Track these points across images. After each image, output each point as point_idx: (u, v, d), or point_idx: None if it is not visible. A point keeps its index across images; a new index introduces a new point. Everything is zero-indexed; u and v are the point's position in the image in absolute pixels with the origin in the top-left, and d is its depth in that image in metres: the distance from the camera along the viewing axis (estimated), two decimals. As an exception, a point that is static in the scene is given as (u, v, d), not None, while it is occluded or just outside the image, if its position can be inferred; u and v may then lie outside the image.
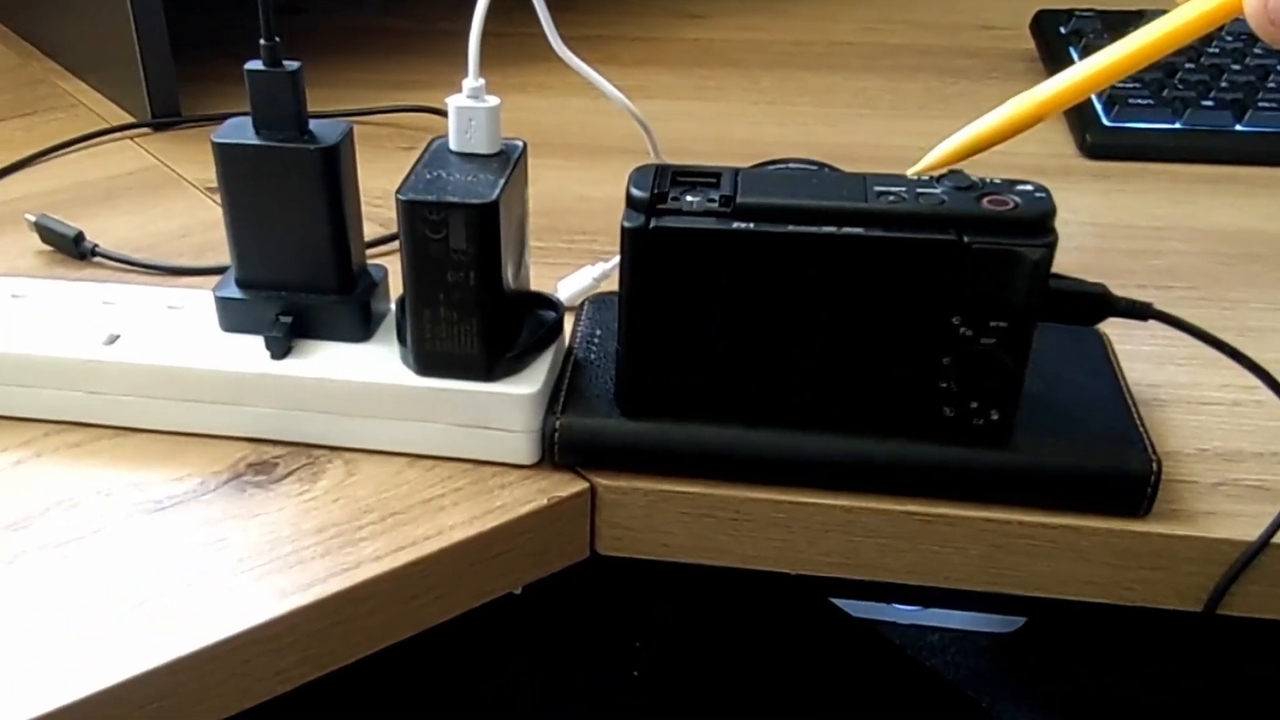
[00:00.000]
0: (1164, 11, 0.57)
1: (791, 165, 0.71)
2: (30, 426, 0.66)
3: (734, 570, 0.64)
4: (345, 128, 0.63)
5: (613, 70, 0.66)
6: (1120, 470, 0.60)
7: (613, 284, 0.63)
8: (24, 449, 0.65)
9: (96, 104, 1.06)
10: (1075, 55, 1.08)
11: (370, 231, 0.72)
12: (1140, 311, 0.61)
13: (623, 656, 1.06)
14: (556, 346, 0.65)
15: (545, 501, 0.62)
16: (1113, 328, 0.65)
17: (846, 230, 0.56)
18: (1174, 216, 0.89)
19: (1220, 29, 1.09)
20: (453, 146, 0.62)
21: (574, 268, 0.75)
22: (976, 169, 0.59)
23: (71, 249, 0.81)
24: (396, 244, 0.60)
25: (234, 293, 0.66)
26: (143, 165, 0.95)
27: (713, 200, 0.57)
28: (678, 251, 0.57)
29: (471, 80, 0.60)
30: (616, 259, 0.60)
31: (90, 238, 0.81)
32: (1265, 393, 0.62)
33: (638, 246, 0.58)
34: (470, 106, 0.61)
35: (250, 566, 0.58)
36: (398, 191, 0.59)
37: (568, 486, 0.62)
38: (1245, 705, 0.97)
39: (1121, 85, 1.00)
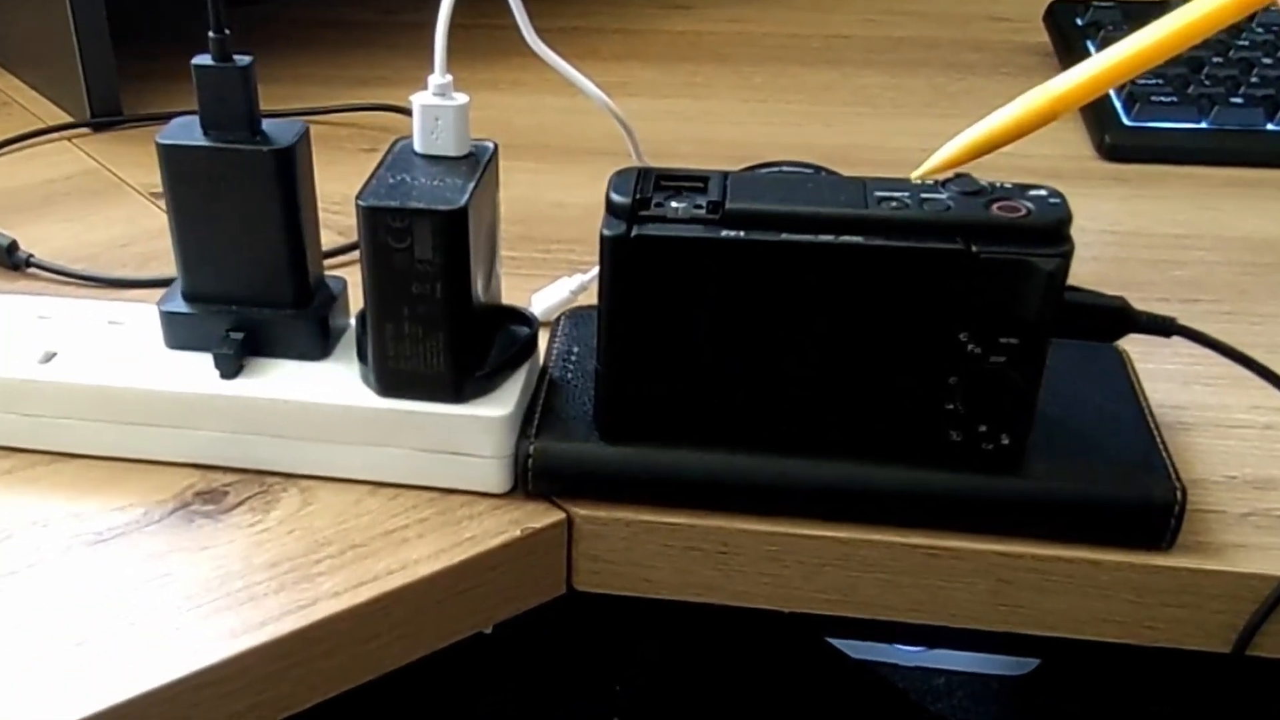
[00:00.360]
0: (1187, 0, 0.57)
1: (785, 168, 0.71)
2: (-42, 452, 0.66)
3: (722, 608, 0.64)
4: (301, 128, 0.63)
5: (591, 65, 0.66)
6: (1141, 499, 0.60)
7: (591, 297, 0.63)
8: (-49, 476, 0.65)
9: (31, 102, 1.06)
10: (1092, 48, 1.09)
11: (328, 240, 0.72)
12: (1163, 327, 0.61)
13: (601, 700, 1.06)
14: (530, 365, 0.65)
15: (518, 533, 0.62)
16: (1133, 344, 0.65)
17: (845, 239, 0.56)
18: (1200, 223, 0.89)
19: (1250, 18, 1.09)
20: (417, 148, 0.62)
21: (549, 279, 0.75)
22: (985, 172, 0.59)
23: (4, 259, 0.81)
24: (357, 254, 0.60)
25: (180, 307, 0.65)
26: (82, 168, 0.95)
27: (700, 206, 0.57)
28: (662, 262, 0.57)
29: (438, 76, 0.60)
30: (595, 270, 0.60)
31: (24, 247, 0.81)
32: (1298, 415, 0.62)
33: (618, 256, 0.58)
34: (437, 105, 0.61)
35: (198, 604, 0.57)
36: (358, 197, 0.59)
37: (542, 517, 0.62)
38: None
39: (1143, 81, 1.01)
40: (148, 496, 0.63)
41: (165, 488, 0.64)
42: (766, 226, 0.56)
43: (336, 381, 0.64)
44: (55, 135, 1.00)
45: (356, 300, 0.63)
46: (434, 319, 0.60)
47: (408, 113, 0.62)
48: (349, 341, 0.66)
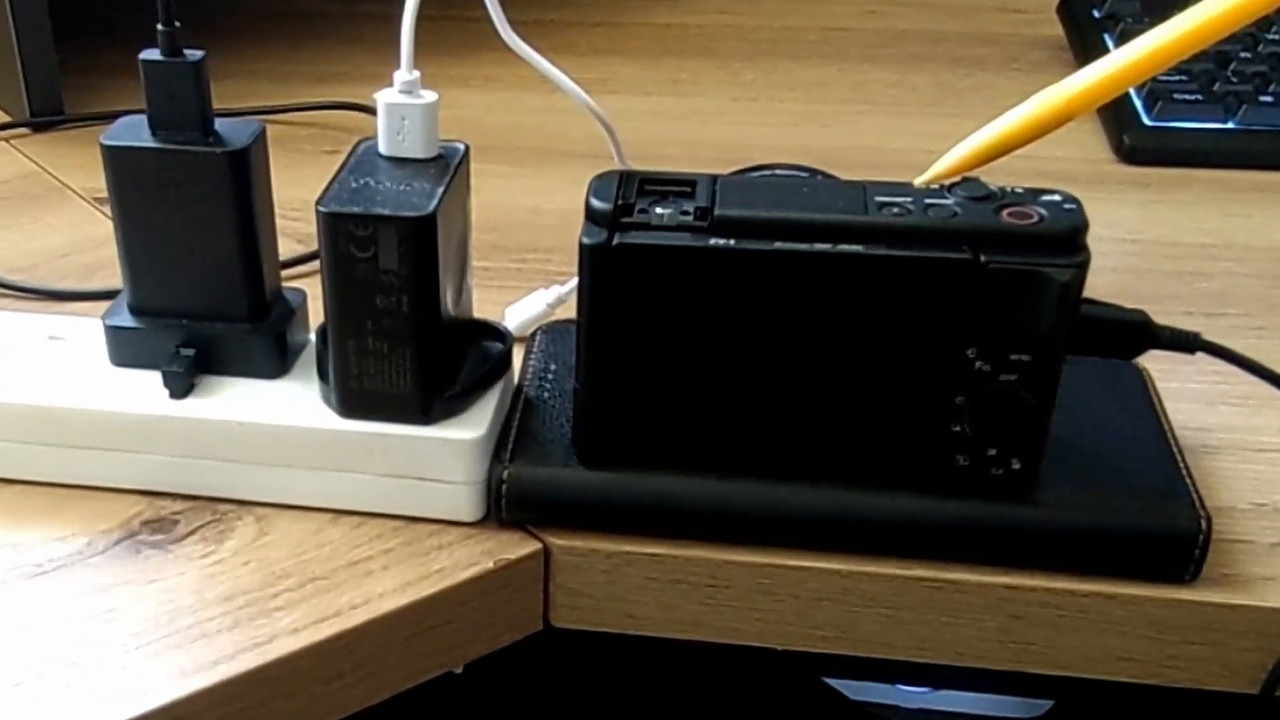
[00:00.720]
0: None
1: (779, 172, 0.72)
2: (-115, 478, 0.66)
3: (711, 646, 0.64)
4: (257, 128, 0.63)
5: (570, 60, 0.66)
6: (1163, 528, 0.60)
7: (569, 311, 0.63)
8: (-122, 504, 0.65)
9: (-36, 99, 1.06)
10: (1110, 42, 1.09)
11: (286, 249, 0.72)
12: (1186, 343, 0.61)
13: (582, 747, 1.06)
14: (504, 384, 0.65)
15: (490, 565, 0.62)
16: (1154, 362, 0.65)
17: (843, 248, 0.56)
18: (1226, 232, 0.89)
19: (1280, 12, 1.09)
20: (382, 150, 0.62)
21: (524, 292, 0.75)
22: (995, 176, 0.59)
23: (-65, 269, 0.81)
24: (317, 264, 0.60)
25: (127, 321, 0.66)
26: (20, 172, 0.95)
27: (686, 213, 0.57)
28: (646, 273, 0.57)
29: (404, 72, 0.60)
30: (574, 282, 0.60)
31: (-43, 256, 0.81)
32: (1331, 437, 0.62)
33: (599, 267, 0.58)
34: (403, 103, 0.61)
35: (146, 641, 0.57)
36: (318, 202, 0.59)
37: (517, 547, 0.63)
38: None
39: (1165, 78, 1.01)
40: (91, 525, 0.63)
41: (110, 516, 0.64)
42: (759, 234, 0.57)
43: (295, 401, 0.64)
44: (-9, 136, 1.00)
45: (317, 314, 0.63)
46: (400, 334, 0.60)
47: (372, 111, 0.62)
48: (308, 359, 0.66)
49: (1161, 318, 0.61)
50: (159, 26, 0.61)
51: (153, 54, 0.61)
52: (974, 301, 0.56)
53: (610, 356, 0.60)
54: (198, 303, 0.65)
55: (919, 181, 0.59)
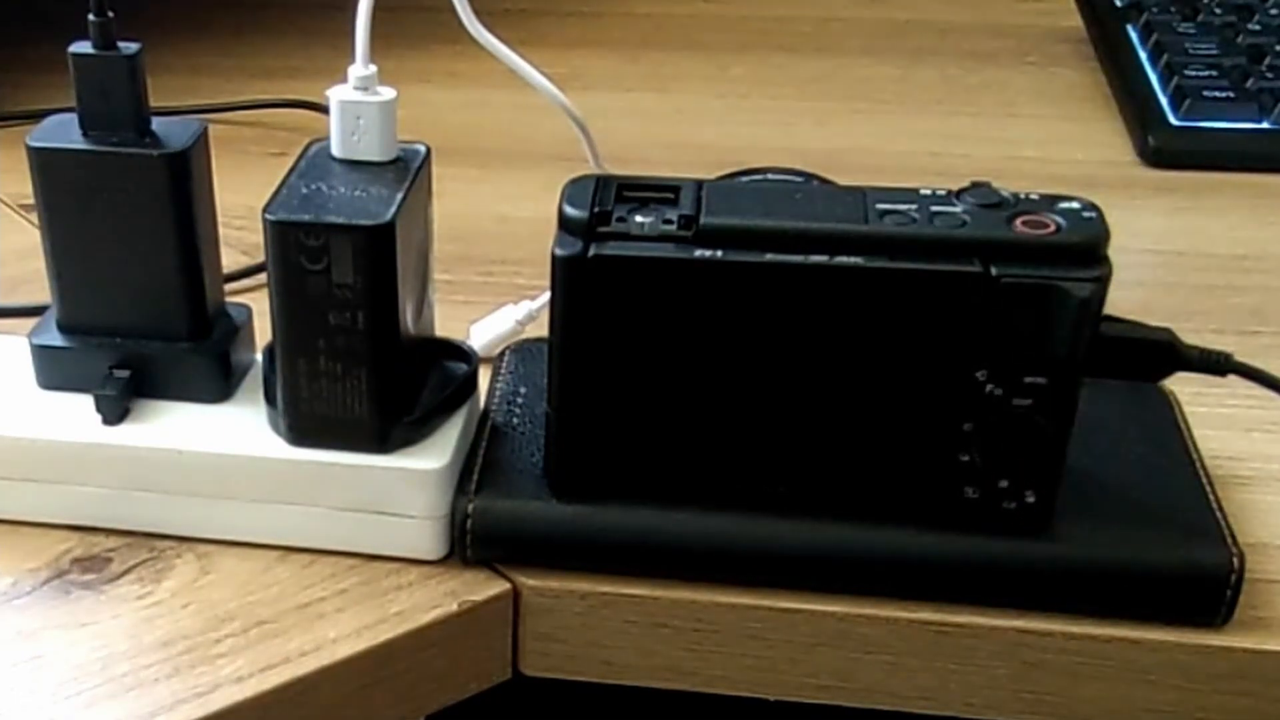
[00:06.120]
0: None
1: (770, 176, 0.72)
2: None
3: (696, 696, 0.64)
4: (198, 128, 0.63)
5: (541, 54, 0.66)
6: (1191, 567, 0.60)
7: (541, 328, 0.63)
8: None
9: (-124, 96, 1.06)
10: (1133, 34, 1.09)
11: (230, 261, 0.72)
12: (1217, 364, 0.61)
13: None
14: (468, 408, 0.65)
15: (454, 607, 0.62)
16: (1182, 385, 0.65)
17: (840, 260, 0.56)
18: (1261, 241, 0.89)
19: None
20: (335, 152, 0.62)
21: (491, 308, 0.76)
22: (1009, 181, 0.59)
23: None
24: (264, 277, 0.60)
25: (56, 340, 0.66)
26: (-64, 175, 0.95)
27: (669, 221, 0.57)
28: (625, 287, 0.57)
29: (360, 67, 0.60)
30: (546, 296, 0.60)
31: None
32: (1374, 468, 0.62)
33: (573, 280, 0.58)
34: (358, 101, 0.61)
35: (76, 690, 0.57)
36: (265, 209, 0.59)
37: (483, 588, 0.63)
38: None
39: (1194, 73, 1.01)
40: (17, 564, 0.63)
41: (38, 554, 0.64)
42: (748, 245, 0.57)
43: (240, 428, 0.64)
44: (-96, 136, 1.00)
45: (263, 332, 0.63)
46: (355, 354, 0.60)
47: (324, 110, 0.62)
48: (254, 381, 0.66)
49: (1190, 336, 0.61)
50: (91, 16, 0.61)
51: (84, 46, 0.61)
52: (984, 319, 0.56)
53: (585, 378, 0.60)
54: (133, 320, 0.65)
55: None
